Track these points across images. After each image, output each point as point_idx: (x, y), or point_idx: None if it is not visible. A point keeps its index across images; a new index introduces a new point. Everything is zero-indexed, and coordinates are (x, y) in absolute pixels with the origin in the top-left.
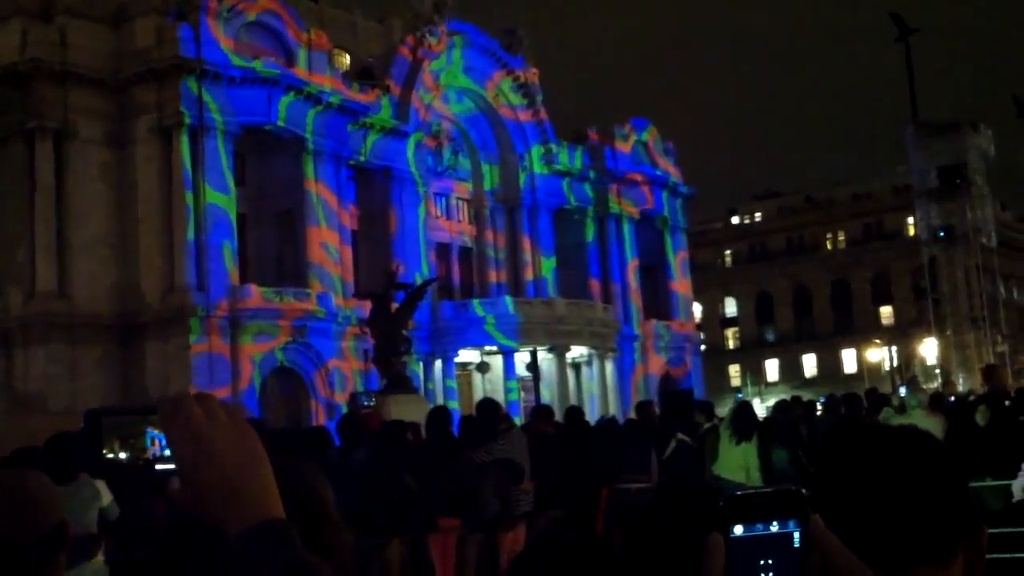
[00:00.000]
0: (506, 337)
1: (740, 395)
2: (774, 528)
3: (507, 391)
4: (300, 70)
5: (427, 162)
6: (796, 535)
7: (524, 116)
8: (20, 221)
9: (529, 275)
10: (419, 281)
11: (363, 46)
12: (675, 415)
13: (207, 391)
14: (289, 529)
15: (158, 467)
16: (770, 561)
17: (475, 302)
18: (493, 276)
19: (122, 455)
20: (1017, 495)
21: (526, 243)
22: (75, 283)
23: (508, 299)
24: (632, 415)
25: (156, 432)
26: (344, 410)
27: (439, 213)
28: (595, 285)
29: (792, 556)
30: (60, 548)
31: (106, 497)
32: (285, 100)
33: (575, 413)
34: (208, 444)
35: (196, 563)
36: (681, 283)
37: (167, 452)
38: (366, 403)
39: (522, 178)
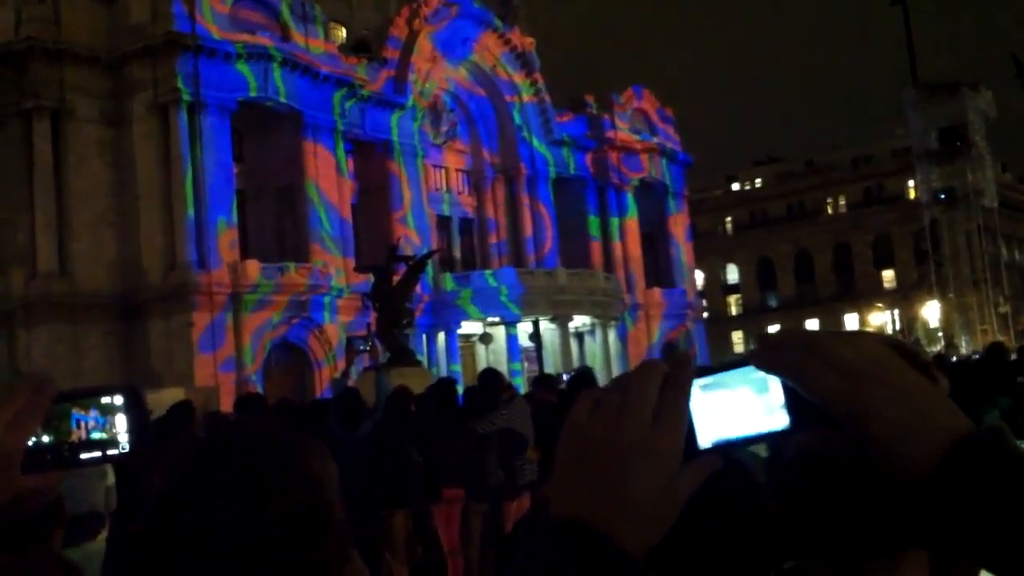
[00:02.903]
0: (509, 308)
1: None
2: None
3: (511, 365)
4: (296, 43)
5: (426, 134)
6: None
7: (522, 86)
8: (20, 201)
9: (530, 245)
10: (410, 253)
11: (359, 18)
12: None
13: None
14: None
15: (83, 455)
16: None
17: (477, 274)
18: (494, 247)
19: (45, 439)
20: None
21: (527, 213)
22: (76, 262)
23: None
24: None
25: (81, 414)
26: (344, 349)
27: (439, 185)
28: (596, 254)
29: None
30: (55, 525)
31: (110, 477)
32: (281, 75)
33: (580, 380)
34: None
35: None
36: (682, 250)
37: (94, 436)
38: (362, 347)
39: (521, 148)
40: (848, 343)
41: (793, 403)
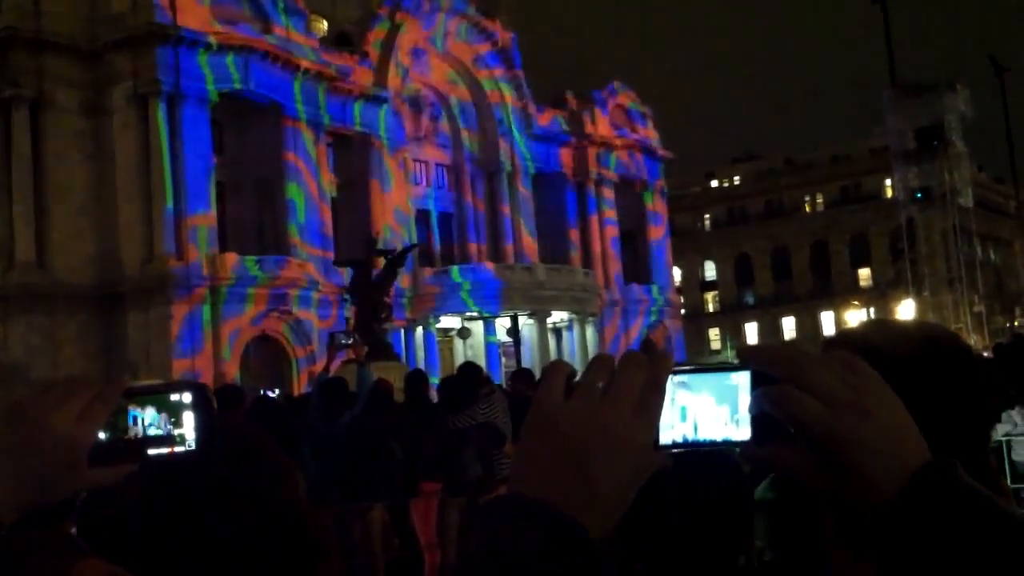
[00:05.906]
0: (487, 303)
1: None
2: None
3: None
4: (277, 35)
5: (406, 128)
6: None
7: (503, 81)
8: None
9: (509, 241)
10: (389, 247)
11: (341, 12)
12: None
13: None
14: None
15: (151, 451)
16: None
17: (456, 268)
18: (474, 242)
19: (101, 435)
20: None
21: (506, 209)
22: (54, 254)
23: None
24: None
25: (138, 411)
26: (326, 344)
27: (419, 179)
28: (575, 250)
29: None
30: (73, 508)
31: None
32: (262, 67)
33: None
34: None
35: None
36: (660, 247)
37: (151, 432)
38: (344, 342)
39: (501, 143)
40: (830, 367)
41: (758, 416)
